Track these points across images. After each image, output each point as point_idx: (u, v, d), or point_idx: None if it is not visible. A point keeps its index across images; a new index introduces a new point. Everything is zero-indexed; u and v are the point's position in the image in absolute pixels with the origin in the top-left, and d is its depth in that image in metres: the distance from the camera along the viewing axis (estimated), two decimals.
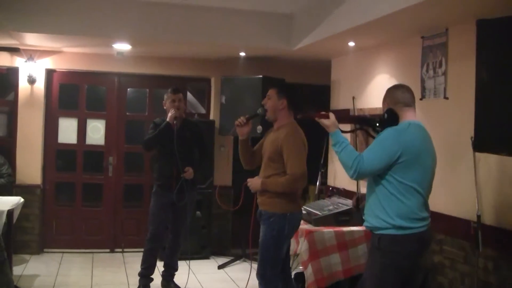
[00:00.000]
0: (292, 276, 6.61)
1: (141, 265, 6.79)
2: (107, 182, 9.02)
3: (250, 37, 7.51)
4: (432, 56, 5.75)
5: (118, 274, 7.66)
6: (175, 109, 6.58)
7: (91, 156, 9.08)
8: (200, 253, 8.65)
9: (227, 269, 8.18)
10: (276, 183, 5.12)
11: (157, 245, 6.84)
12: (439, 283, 5.58)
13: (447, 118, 5.52)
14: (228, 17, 7.37)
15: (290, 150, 5.03)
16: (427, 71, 5.83)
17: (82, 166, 9.01)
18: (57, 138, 8.86)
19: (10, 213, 6.51)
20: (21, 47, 8.09)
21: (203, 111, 9.54)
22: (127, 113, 9.12)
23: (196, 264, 8.08)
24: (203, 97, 9.58)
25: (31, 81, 8.40)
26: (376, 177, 4.17)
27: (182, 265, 7.08)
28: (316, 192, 7.73)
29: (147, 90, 9.20)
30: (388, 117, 4.27)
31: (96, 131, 9.04)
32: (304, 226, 6.12)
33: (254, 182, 5.26)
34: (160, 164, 6.82)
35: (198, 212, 8.51)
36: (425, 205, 4.19)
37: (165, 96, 6.76)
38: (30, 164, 8.48)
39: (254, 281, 5.38)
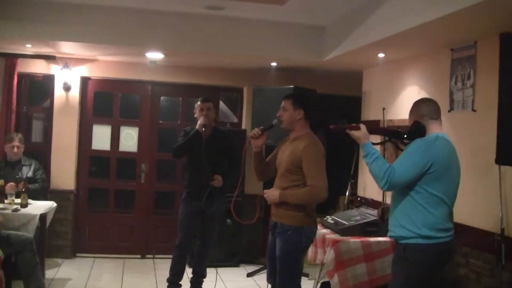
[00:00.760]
0: (319, 286, 6.66)
1: (170, 271, 6.87)
2: (139, 189, 9.13)
3: (281, 48, 7.57)
4: (461, 68, 5.76)
5: (148, 280, 7.76)
6: (204, 117, 6.67)
7: (124, 163, 9.21)
8: (230, 261, 8.70)
9: (255, 277, 8.23)
10: (296, 194, 5.03)
11: (185, 252, 6.91)
12: None
13: (474, 130, 5.52)
14: (259, 28, 7.45)
15: (311, 162, 4.96)
16: (455, 83, 5.84)
17: (115, 172, 9.14)
18: (91, 145, 9.01)
19: (43, 217, 6.66)
20: (57, 55, 8.23)
21: (235, 120, 9.62)
22: (160, 121, 9.24)
23: (225, 272, 8.14)
24: (236, 106, 9.66)
25: (67, 88, 8.55)
26: (404, 188, 4.20)
27: (211, 272, 7.15)
28: (346, 202, 7.75)
29: (180, 98, 9.30)
30: (416, 129, 4.33)
31: (129, 139, 9.16)
32: (331, 235, 6.16)
33: (271, 194, 5.16)
34: (189, 172, 6.90)
35: (228, 220, 8.56)
36: (451, 216, 4.26)
37: (196, 105, 6.85)
38: (64, 170, 8.63)
39: None
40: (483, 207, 5.32)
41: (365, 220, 6.22)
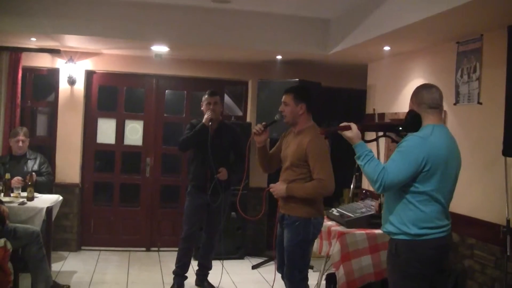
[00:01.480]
0: (324, 278, 6.69)
1: (176, 264, 6.91)
2: (144, 183, 9.16)
3: (286, 41, 7.57)
4: (467, 61, 5.76)
5: (154, 273, 7.78)
6: (211, 112, 6.68)
7: (129, 157, 9.23)
8: (235, 253, 8.73)
9: (260, 269, 8.26)
10: (302, 188, 5.09)
11: (191, 245, 6.95)
12: None
13: (480, 123, 5.54)
14: (265, 21, 7.44)
15: (317, 155, 5.00)
16: (461, 76, 5.85)
17: (120, 166, 9.16)
18: (96, 139, 9.02)
19: (49, 210, 6.69)
20: (61, 49, 8.24)
21: (240, 113, 9.63)
22: (165, 115, 9.25)
23: (230, 264, 8.18)
24: (241, 99, 9.68)
25: (71, 82, 8.56)
26: None
27: (216, 264, 7.18)
28: (350, 195, 7.76)
29: (185, 92, 9.31)
30: (411, 120, 4.16)
31: (134, 132, 9.18)
32: (336, 227, 6.18)
33: (278, 188, 5.22)
34: (194, 165, 6.93)
35: (233, 213, 8.58)
36: (445, 213, 4.08)
37: (203, 98, 6.87)
38: (69, 164, 8.65)
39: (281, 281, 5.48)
40: (489, 199, 5.34)
41: (370, 212, 6.23)
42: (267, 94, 8.28)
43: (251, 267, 8.33)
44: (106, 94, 9.16)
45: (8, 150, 7.81)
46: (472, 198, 5.58)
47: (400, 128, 4.28)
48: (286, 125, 5.44)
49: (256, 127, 5.33)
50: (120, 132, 9.13)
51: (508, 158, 4.82)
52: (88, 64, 8.70)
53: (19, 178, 7.02)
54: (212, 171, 6.67)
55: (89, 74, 8.88)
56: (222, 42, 7.45)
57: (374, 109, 7.29)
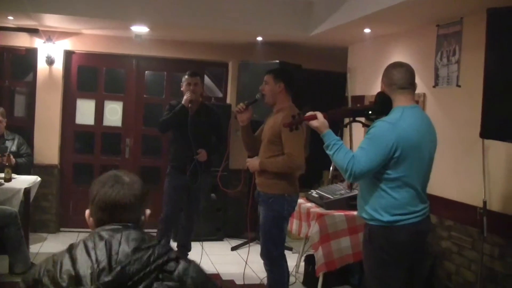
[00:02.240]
0: (303, 259, 6.74)
1: None
2: (124, 164, 9.11)
3: (267, 22, 7.54)
4: (447, 44, 5.79)
5: None
6: (191, 93, 6.65)
7: (109, 138, 9.19)
8: (215, 235, 8.75)
9: (240, 250, 8.28)
10: (274, 162, 5.23)
11: (171, 226, 6.96)
12: (447, 269, 5.64)
13: (458, 106, 5.57)
14: (246, 2, 7.41)
15: (288, 132, 4.98)
16: (441, 59, 5.87)
17: (100, 147, 9.11)
18: (75, 119, 8.96)
19: (27, 191, 6.64)
20: (40, 28, 8.14)
21: (220, 95, 9.62)
22: (145, 96, 9.21)
23: (210, 246, 8.20)
24: (221, 81, 9.65)
25: (50, 62, 8.48)
26: None
27: (196, 246, 7.18)
28: (330, 176, 7.78)
29: (165, 73, 9.27)
30: (379, 103, 4.07)
31: (114, 113, 9.13)
32: (315, 209, 6.21)
33: (252, 163, 5.40)
34: (174, 146, 6.92)
35: (213, 195, 8.58)
36: (419, 197, 3.98)
37: (183, 79, 6.83)
38: (48, 145, 8.59)
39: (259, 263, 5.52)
40: (467, 181, 5.38)
41: (350, 194, 6.27)
42: (247, 75, 8.27)
43: (230, 249, 8.35)
44: (86, 75, 9.09)
45: None
46: (450, 180, 5.63)
47: (370, 112, 4.14)
48: (267, 105, 5.57)
49: (238, 106, 5.47)
50: (99, 113, 9.07)
51: (485, 141, 4.84)
52: (67, 44, 8.62)
53: None
54: (192, 152, 6.65)
55: (68, 54, 8.80)
56: (203, 22, 7.40)
57: (346, 96, 7.33)
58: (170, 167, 6.93)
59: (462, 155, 5.46)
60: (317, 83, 9.24)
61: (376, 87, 7.19)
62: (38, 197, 7.79)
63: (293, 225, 6.50)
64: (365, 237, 4.11)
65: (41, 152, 8.52)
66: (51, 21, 7.63)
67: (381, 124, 3.89)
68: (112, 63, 9.18)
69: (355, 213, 5.95)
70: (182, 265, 2.21)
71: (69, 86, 8.87)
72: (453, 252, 5.56)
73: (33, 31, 8.19)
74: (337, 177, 7.83)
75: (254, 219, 6.72)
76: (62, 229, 8.88)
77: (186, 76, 6.79)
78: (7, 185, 6.54)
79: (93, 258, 2.10)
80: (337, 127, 7.20)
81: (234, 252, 8.24)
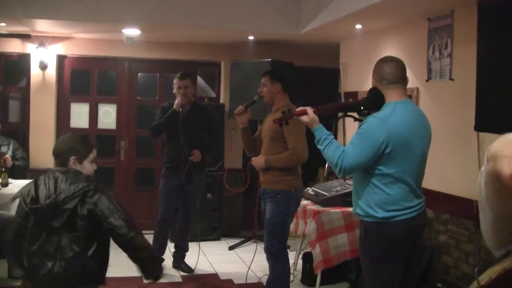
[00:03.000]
0: (300, 257, 6.75)
1: (152, 246, 6.90)
2: (119, 166, 9.12)
3: (258, 20, 7.53)
4: (438, 38, 5.80)
5: None
6: (181, 96, 6.63)
7: (103, 141, 9.17)
8: (212, 235, 8.74)
9: (237, 250, 8.29)
10: (279, 158, 5.37)
11: (167, 227, 6.97)
12: (444, 263, 5.66)
13: (452, 99, 5.58)
14: (236, 1, 7.41)
15: (291, 127, 5.09)
16: (433, 53, 5.88)
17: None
18: (69, 123, 8.96)
19: None
20: (32, 34, 8.16)
21: (213, 94, 9.61)
22: (138, 98, 9.20)
23: (207, 246, 8.19)
24: (213, 81, 9.65)
25: (43, 67, 8.48)
26: None
27: (193, 246, 7.19)
28: (325, 174, 7.79)
29: (157, 74, 9.28)
30: (372, 98, 4.05)
31: (108, 116, 9.12)
32: (312, 206, 6.22)
33: (257, 160, 5.53)
34: (168, 148, 6.92)
35: (209, 195, 8.58)
36: (413, 192, 3.95)
37: (174, 81, 6.83)
38: (43, 149, 8.54)
39: (260, 262, 5.52)
40: (462, 175, 5.39)
41: (346, 191, 6.28)
42: (239, 74, 8.27)
43: (227, 248, 8.35)
44: (79, 78, 9.09)
45: None
46: (446, 174, 5.64)
47: (362, 108, 4.12)
48: (265, 106, 5.74)
49: (238, 108, 5.57)
50: (93, 116, 9.07)
51: (480, 134, 4.86)
52: (60, 48, 8.62)
53: None
54: (185, 154, 6.65)
55: (61, 59, 8.79)
56: (193, 22, 7.39)
57: (340, 93, 7.36)
58: (165, 168, 6.94)
59: (457, 148, 5.47)
60: (309, 80, 9.26)
61: (369, 83, 7.18)
62: None
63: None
64: (361, 234, 4.10)
65: (36, 157, 8.50)
66: (43, 26, 7.63)
67: (372, 120, 3.88)
68: (105, 66, 9.16)
69: (351, 209, 5.98)
70: (97, 194, 3.57)
71: (62, 90, 8.86)
72: (450, 246, 5.58)
73: (25, 37, 8.20)
74: (332, 174, 7.83)
75: (250, 218, 6.75)
76: None
77: (176, 79, 6.77)
78: (3, 190, 6.53)
79: (47, 187, 3.58)
80: (331, 122, 7.27)
81: (232, 251, 8.24)
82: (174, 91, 6.78)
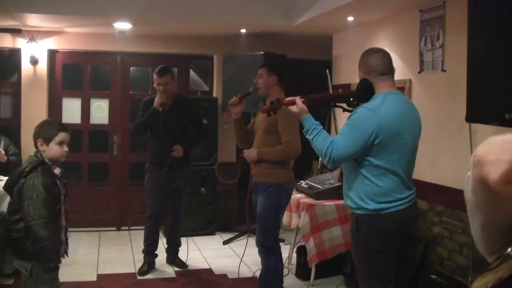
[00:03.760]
0: (295, 250, 6.73)
1: (144, 242, 6.89)
2: (112, 161, 9.09)
3: (250, 13, 7.48)
4: (430, 29, 5.77)
5: (124, 251, 7.75)
6: (161, 94, 6.49)
7: (96, 136, 9.14)
8: (207, 229, 8.72)
9: (231, 244, 8.26)
10: (272, 151, 5.38)
11: (157, 222, 6.91)
12: (439, 254, 5.65)
13: (444, 90, 5.56)
14: None
15: (285, 121, 5.22)
16: (425, 44, 5.85)
17: (87, 145, 9.07)
18: (62, 118, 8.89)
19: None
20: (22, 28, 8.09)
21: (206, 88, 9.58)
22: (131, 92, 9.16)
23: (201, 240, 8.19)
24: (206, 74, 9.61)
25: (34, 62, 8.42)
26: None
27: (187, 241, 7.17)
28: (319, 166, 7.77)
29: (150, 69, 9.22)
30: (362, 89, 4.02)
31: (100, 111, 9.08)
32: (305, 200, 6.21)
33: (250, 153, 5.52)
34: (151, 142, 6.86)
35: (203, 189, 8.57)
36: (404, 184, 3.96)
37: (154, 76, 6.70)
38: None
39: (254, 256, 5.50)
40: (455, 166, 5.38)
41: (339, 183, 6.26)
42: (232, 68, 8.26)
43: (222, 243, 8.32)
44: (71, 73, 9.03)
45: None
46: (439, 165, 5.63)
47: (351, 99, 4.09)
48: (260, 97, 5.73)
49: (232, 99, 5.57)
50: (86, 111, 9.03)
51: (472, 124, 4.83)
52: (51, 43, 8.57)
53: None
54: (167, 149, 6.55)
55: (52, 53, 8.74)
56: (185, 15, 7.34)
57: (330, 86, 7.34)
58: (148, 163, 6.86)
59: (450, 139, 5.45)
60: (302, 73, 9.23)
61: None
62: None
63: (284, 216, 6.49)
64: (352, 226, 4.09)
65: (28, 152, 8.22)
66: (34, 20, 7.57)
67: (362, 111, 3.88)
68: (97, 60, 9.12)
69: None
70: (30, 176, 3.89)
71: (54, 85, 8.82)
72: (444, 237, 5.56)
73: (15, 31, 8.12)
74: (326, 167, 7.82)
75: (245, 212, 6.69)
76: None
77: (155, 76, 6.61)
78: None
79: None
80: (324, 113, 7.24)
81: (226, 246, 8.21)
82: (154, 86, 6.67)
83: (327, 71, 7.49)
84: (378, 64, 4.00)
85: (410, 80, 6.11)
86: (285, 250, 6.87)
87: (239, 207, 9.11)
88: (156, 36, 8.89)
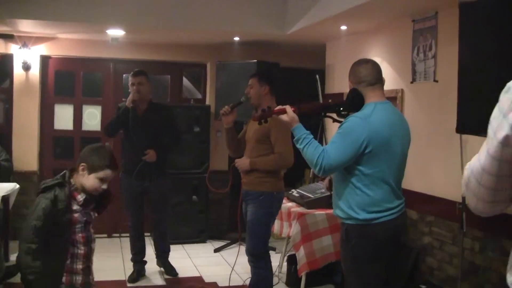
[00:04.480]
0: (285, 259, 6.72)
1: (131, 251, 6.87)
2: None
3: (243, 21, 7.49)
4: (423, 39, 5.78)
5: (115, 259, 7.72)
6: (134, 92, 6.46)
7: (88, 143, 8.98)
8: (198, 237, 8.69)
9: (223, 252, 8.23)
10: (265, 161, 5.38)
11: (139, 231, 6.86)
12: (429, 264, 5.64)
13: (436, 101, 5.56)
14: (221, 2, 7.35)
15: (278, 131, 5.22)
16: (417, 54, 5.86)
17: (79, 152, 8.98)
18: (54, 125, 8.89)
19: (5, 199, 6.57)
20: (15, 34, 8.08)
21: (199, 96, 9.57)
22: (123, 99, 9.10)
23: (192, 248, 8.17)
24: (199, 82, 9.61)
25: (26, 68, 8.40)
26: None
27: (178, 249, 7.16)
28: (311, 175, 7.77)
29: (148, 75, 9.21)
30: (352, 99, 4.03)
31: (93, 118, 9.06)
32: (296, 208, 6.20)
33: (242, 162, 5.50)
34: (124, 150, 6.84)
35: (194, 197, 8.55)
36: (394, 193, 3.96)
37: (129, 78, 6.68)
38: (27, 151, 8.51)
39: (245, 264, 5.49)
40: (445, 176, 5.39)
41: (330, 193, 6.24)
42: (225, 76, 8.26)
43: (213, 251, 8.30)
44: (63, 79, 9.02)
45: None
46: (429, 175, 5.63)
47: (341, 108, 4.09)
48: (251, 106, 5.71)
49: (224, 108, 5.56)
50: (78, 117, 9.01)
51: (463, 135, 4.84)
52: (43, 49, 8.55)
53: None
54: (139, 154, 6.47)
55: (45, 59, 8.73)
56: (178, 24, 7.34)
57: (320, 92, 7.37)
58: (122, 172, 6.73)
59: (441, 150, 5.46)
60: (295, 81, 9.23)
61: None
62: (18, 204, 7.69)
63: (275, 225, 6.47)
64: (342, 237, 4.09)
65: (20, 159, 8.43)
66: (26, 26, 7.56)
67: (353, 120, 3.88)
68: (89, 67, 9.10)
69: None
70: (42, 194, 3.62)
71: (46, 92, 8.79)
72: (434, 248, 5.56)
73: (8, 37, 8.12)
74: (318, 176, 7.81)
75: (236, 220, 6.69)
76: None
77: (130, 77, 6.63)
78: None
79: None
80: (317, 122, 7.22)
81: (217, 254, 8.19)
82: (129, 90, 6.62)
83: (317, 76, 7.50)
84: (367, 75, 4.01)
85: (402, 90, 6.12)
86: (276, 259, 6.86)
87: (230, 215, 9.09)
88: (149, 44, 8.89)
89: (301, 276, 6.12)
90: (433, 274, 5.57)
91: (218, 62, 8.54)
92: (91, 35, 8.34)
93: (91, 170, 3.70)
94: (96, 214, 3.92)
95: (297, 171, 8.39)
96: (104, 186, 3.76)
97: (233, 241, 8.45)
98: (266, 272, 5.54)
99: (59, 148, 9.15)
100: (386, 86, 4.26)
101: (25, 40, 8.29)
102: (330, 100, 5.31)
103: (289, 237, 6.43)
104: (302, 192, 6.51)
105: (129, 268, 7.01)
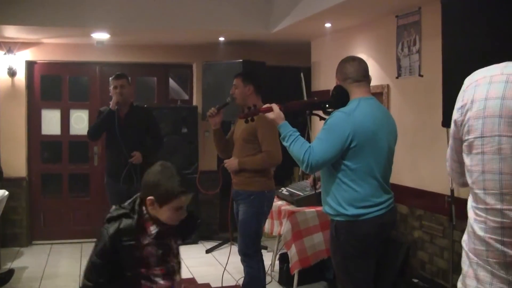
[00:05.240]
0: (277, 257, 6.73)
1: None
2: (93, 172, 9.05)
3: (228, 21, 7.47)
4: (407, 34, 5.80)
5: None
6: (117, 95, 6.46)
7: (76, 147, 9.10)
8: (189, 238, 8.67)
9: (214, 253, 8.25)
10: (253, 160, 5.39)
11: None
12: (420, 258, 5.66)
13: (422, 95, 5.59)
14: (206, 2, 7.34)
15: (265, 129, 5.24)
16: (402, 49, 5.88)
17: (67, 156, 9.02)
18: (41, 130, 8.87)
19: None
20: None
21: (186, 97, 9.57)
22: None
23: (184, 250, 7.98)
24: (186, 83, 9.60)
25: (12, 73, 8.38)
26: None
27: None
28: (300, 173, 7.78)
29: (129, 78, 9.17)
30: (337, 95, 4.06)
31: (80, 121, 9.04)
32: (286, 207, 6.21)
33: (231, 163, 5.51)
34: (108, 153, 6.79)
35: None
36: (382, 188, 3.97)
37: (110, 82, 6.68)
38: (14, 157, 8.48)
39: (237, 264, 5.49)
40: (433, 170, 5.40)
41: (315, 191, 6.26)
42: (212, 76, 8.25)
43: (205, 251, 8.31)
44: (49, 84, 9.01)
45: None
46: (418, 169, 5.65)
47: (327, 105, 4.14)
48: (237, 107, 5.72)
49: (210, 110, 5.58)
50: (65, 122, 9.00)
51: (449, 129, 4.85)
52: (28, 54, 8.53)
53: None
54: (125, 157, 6.42)
55: (30, 65, 8.71)
56: (163, 25, 7.32)
57: (304, 89, 7.39)
58: (107, 176, 6.71)
59: (428, 144, 5.48)
60: (282, 79, 9.24)
61: None
62: (8, 210, 7.70)
63: (266, 223, 6.48)
64: (331, 233, 4.11)
65: (8, 165, 8.38)
66: (10, 32, 7.54)
67: (337, 115, 3.91)
68: (75, 71, 9.09)
69: None
70: (108, 223, 3.15)
71: (33, 97, 8.78)
72: (425, 241, 5.58)
73: None
74: (306, 173, 7.83)
75: (227, 220, 6.68)
76: (34, 241, 8.79)
77: (112, 80, 6.62)
78: None
79: None
80: (304, 120, 7.24)
81: (209, 254, 8.20)
82: (110, 94, 6.63)
83: (301, 74, 7.52)
84: (353, 72, 4.04)
85: (388, 86, 6.14)
86: (268, 258, 6.87)
87: (221, 215, 9.10)
88: (134, 46, 8.87)
89: (294, 274, 6.14)
90: (425, 268, 5.59)
91: (204, 63, 8.54)
92: (76, 39, 8.31)
93: (162, 202, 3.08)
94: (180, 242, 3.39)
95: (286, 169, 8.41)
96: (183, 214, 3.20)
97: (224, 241, 8.46)
98: (259, 271, 5.55)
99: (47, 153, 9.13)
100: (372, 82, 4.28)
101: (10, 46, 8.26)
102: (315, 98, 5.32)
103: (280, 236, 6.44)
104: (292, 190, 6.52)
105: None
